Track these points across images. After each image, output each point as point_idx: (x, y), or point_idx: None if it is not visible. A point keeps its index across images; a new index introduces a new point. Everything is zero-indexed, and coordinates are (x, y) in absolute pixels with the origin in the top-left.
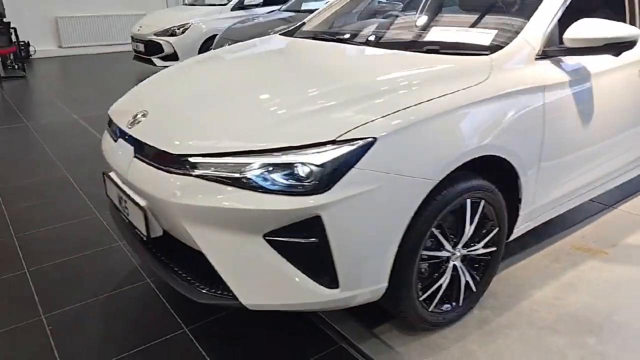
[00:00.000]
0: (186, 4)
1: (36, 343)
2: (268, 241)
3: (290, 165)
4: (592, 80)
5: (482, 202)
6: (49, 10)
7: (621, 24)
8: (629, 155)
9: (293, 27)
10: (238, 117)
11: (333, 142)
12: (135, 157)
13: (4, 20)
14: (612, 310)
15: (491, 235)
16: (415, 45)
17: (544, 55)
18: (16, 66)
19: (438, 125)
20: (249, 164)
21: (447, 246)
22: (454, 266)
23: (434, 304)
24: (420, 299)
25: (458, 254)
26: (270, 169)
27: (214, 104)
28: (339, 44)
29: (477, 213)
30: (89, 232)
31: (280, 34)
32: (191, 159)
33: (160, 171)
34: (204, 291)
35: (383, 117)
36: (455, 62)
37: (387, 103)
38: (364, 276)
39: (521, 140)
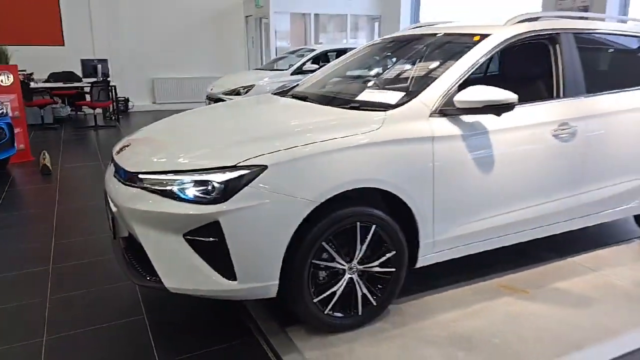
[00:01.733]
0: (257, 69)
1: None
2: (186, 239)
3: (201, 182)
4: (490, 135)
5: (374, 227)
6: (148, 72)
7: (500, 90)
8: (543, 209)
9: (288, 87)
10: (181, 146)
11: (234, 167)
12: (113, 175)
13: (108, 79)
14: (496, 335)
15: (387, 256)
16: (341, 102)
17: (441, 113)
18: (113, 117)
19: (322, 160)
20: (175, 180)
21: (339, 259)
22: (350, 279)
23: (328, 308)
24: (315, 301)
25: (354, 268)
26: (187, 184)
27: (173, 138)
28: (295, 100)
29: (367, 236)
30: None
31: (272, 93)
32: (140, 176)
33: (122, 184)
34: (144, 276)
35: (277, 151)
36: (357, 115)
37: (285, 141)
38: (257, 273)
39: (411, 180)
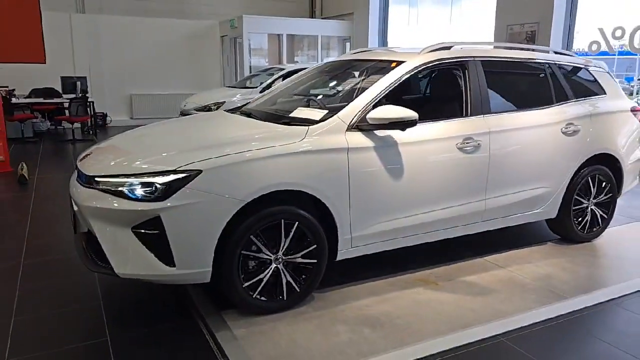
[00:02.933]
0: (229, 86)
1: None
2: (134, 232)
3: (146, 184)
4: (400, 147)
5: (296, 224)
6: (126, 89)
7: (405, 109)
8: (449, 212)
9: (240, 105)
10: (134, 154)
11: (174, 171)
12: (76, 179)
13: (86, 95)
14: (400, 316)
15: (309, 249)
16: (276, 118)
17: (357, 128)
18: (90, 131)
19: (249, 166)
20: (125, 182)
21: (265, 251)
22: (277, 268)
23: (256, 293)
24: (244, 286)
25: (280, 259)
26: (135, 185)
27: (130, 147)
28: (240, 116)
29: (291, 231)
30: None
31: (224, 110)
32: (96, 179)
33: (82, 187)
34: (98, 264)
35: (211, 158)
36: (285, 129)
37: (220, 150)
38: (193, 260)
39: (328, 184)
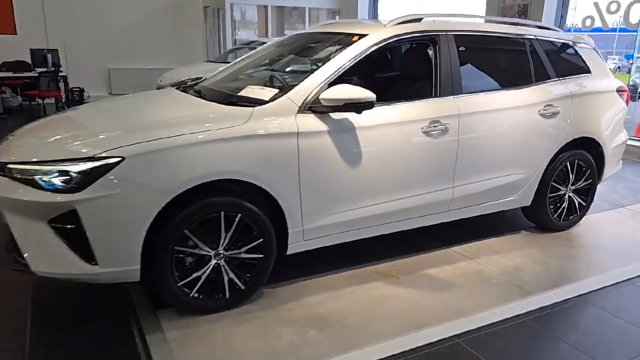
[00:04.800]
0: (209, 61)
1: None
2: (50, 226)
3: (61, 172)
4: (358, 132)
5: (239, 216)
6: (104, 62)
7: (361, 89)
8: (414, 201)
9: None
10: (50, 139)
11: (92, 158)
12: None
13: (57, 69)
14: (351, 315)
15: (255, 244)
16: (224, 97)
17: (310, 110)
18: (65, 108)
19: (180, 152)
20: (37, 169)
21: (203, 247)
22: (217, 264)
23: (194, 291)
24: (179, 284)
25: (221, 254)
26: (48, 174)
27: (57, 129)
28: (187, 94)
29: (232, 224)
30: None
31: (174, 86)
32: (8, 165)
33: None
34: (18, 260)
35: (136, 143)
36: (229, 110)
37: (147, 134)
38: (117, 258)
39: (275, 172)
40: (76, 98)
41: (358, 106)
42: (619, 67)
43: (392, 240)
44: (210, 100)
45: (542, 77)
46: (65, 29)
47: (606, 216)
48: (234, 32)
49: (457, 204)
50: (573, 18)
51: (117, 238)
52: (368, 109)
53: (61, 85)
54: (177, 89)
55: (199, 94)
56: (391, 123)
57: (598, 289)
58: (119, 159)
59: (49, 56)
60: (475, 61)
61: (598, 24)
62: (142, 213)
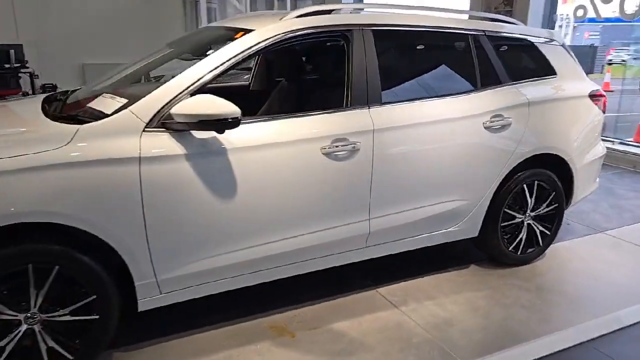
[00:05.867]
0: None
1: None
2: None
3: None
4: (231, 155)
5: (56, 268)
6: (77, 57)
7: (223, 101)
8: (311, 240)
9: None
10: None
11: None
12: None
13: (27, 66)
14: None
15: (84, 302)
16: (65, 109)
17: (164, 127)
18: None
19: None
20: None
21: (7, 310)
22: (31, 330)
23: None
24: None
25: (37, 317)
26: None
27: None
28: (36, 107)
29: (48, 279)
30: None
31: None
32: None
33: None
34: None
35: None
36: (51, 128)
37: None
38: None
39: (108, 211)
40: None
41: (217, 124)
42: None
43: (307, 276)
44: (52, 114)
45: (490, 81)
46: (37, 22)
47: (580, 244)
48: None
49: (378, 239)
50: (564, 8)
51: None
52: (232, 127)
53: (22, 82)
54: (51, 96)
55: (58, 103)
56: (278, 143)
57: (548, 355)
58: None
59: (12, 52)
60: (400, 63)
61: (591, 14)
62: None
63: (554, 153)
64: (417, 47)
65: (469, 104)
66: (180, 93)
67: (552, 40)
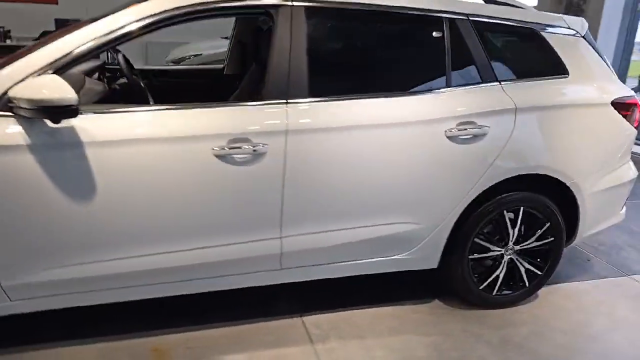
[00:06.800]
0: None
1: None
2: None
3: None
4: (88, 149)
5: None
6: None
7: (62, 84)
8: (200, 256)
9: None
10: None
11: None
12: None
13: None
14: None
15: None
16: None
17: (11, 110)
18: None
19: None
20: None
21: None
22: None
23: None
24: None
25: None
26: None
27: None
28: None
29: None
30: None
31: None
32: None
33: None
34: None
35: None
36: None
37: None
38: None
39: None
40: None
41: (51, 111)
42: None
43: (226, 295)
44: None
45: (466, 79)
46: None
47: (591, 289)
48: None
49: (296, 261)
50: None
51: None
52: (69, 116)
53: None
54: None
55: None
56: (155, 139)
57: None
58: None
59: None
60: (341, 50)
61: None
62: None
63: (548, 174)
64: (366, 32)
65: (428, 105)
66: (40, 69)
67: (567, 28)
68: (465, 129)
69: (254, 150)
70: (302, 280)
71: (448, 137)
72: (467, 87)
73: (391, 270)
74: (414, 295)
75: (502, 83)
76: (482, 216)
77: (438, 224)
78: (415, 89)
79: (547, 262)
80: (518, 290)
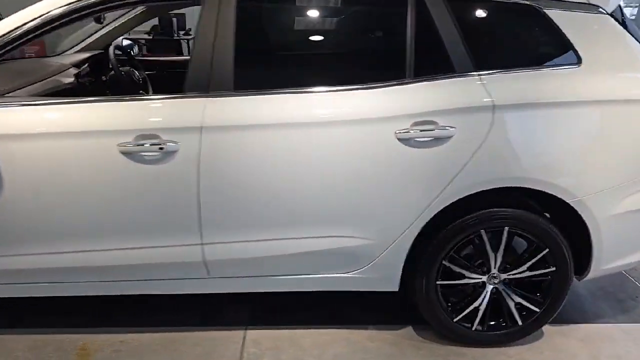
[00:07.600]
0: None
1: None
2: None
3: None
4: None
5: None
6: None
7: None
8: (101, 258)
9: None
10: None
11: None
12: None
13: (190, 33)
14: None
15: None
16: None
17: None
18: None
19: None
20: None
21: None
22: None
23: None
24: None
25: None
26: None
27: None
28: None
29: None
30: None
31: None
32: None
33: None
34: None
35: None
36: None
37: None
38: None
39: None
40: None
41: None
42: None
43: (181, 299)
44: None
45: (434, 69)
46: None
47: (621, 334)
48: None
49: (224, 270)
50: None
51: None
52: None
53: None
54: None
55: None
56: (60, 133)
57: None
58: None
59: (174, 20)
60: (278, 37)
61: None
62: None
63: (539, 189)
64: (305, 15)
65: (376, 101)
66: None
67: (585, 4)
68: (422, 130)
69: (161, 148)
70: (234, 291)
71: (400, 140)
72: (432, 79)
73: (342, 289)
74: (383, 319)
75: (481, 74)
76: (450, 235)
77: (391, 240)
78: (364, 81)
79: (547, 296)
80: (507, 328)
